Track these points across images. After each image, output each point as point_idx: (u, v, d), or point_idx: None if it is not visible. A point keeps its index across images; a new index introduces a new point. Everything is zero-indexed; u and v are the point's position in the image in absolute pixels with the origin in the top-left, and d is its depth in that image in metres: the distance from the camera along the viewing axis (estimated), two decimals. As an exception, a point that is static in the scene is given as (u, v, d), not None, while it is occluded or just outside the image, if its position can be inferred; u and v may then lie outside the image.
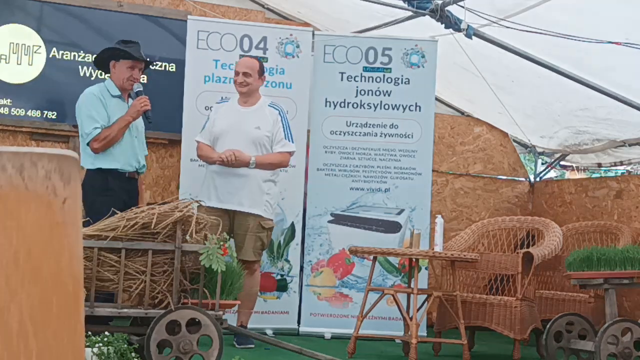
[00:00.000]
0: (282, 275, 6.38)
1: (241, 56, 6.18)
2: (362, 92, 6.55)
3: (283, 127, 5.60)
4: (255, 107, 5.64)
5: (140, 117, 5.49)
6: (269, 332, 6.09)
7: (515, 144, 8.25)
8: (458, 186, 8.03)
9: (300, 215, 6.42)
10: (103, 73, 5.98)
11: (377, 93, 6.55)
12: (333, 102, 6.54)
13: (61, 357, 1.13)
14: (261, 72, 5.68)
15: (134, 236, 4.16)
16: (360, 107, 6.55)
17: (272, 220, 5.70)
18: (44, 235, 1.12)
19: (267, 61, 6.40)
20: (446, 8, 5.70)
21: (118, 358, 3.95)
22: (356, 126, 6.53)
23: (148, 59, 5.63)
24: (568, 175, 9.53)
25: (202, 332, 4.10)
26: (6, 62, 6.54)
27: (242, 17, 7.23)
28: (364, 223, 6.47)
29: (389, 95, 6.54)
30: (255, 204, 5.54)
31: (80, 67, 6.70)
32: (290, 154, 5.65)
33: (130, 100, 5.51)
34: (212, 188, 5.56)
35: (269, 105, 5.67)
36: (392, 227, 6.47)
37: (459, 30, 5.72)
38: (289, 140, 5.59)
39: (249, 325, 5.63)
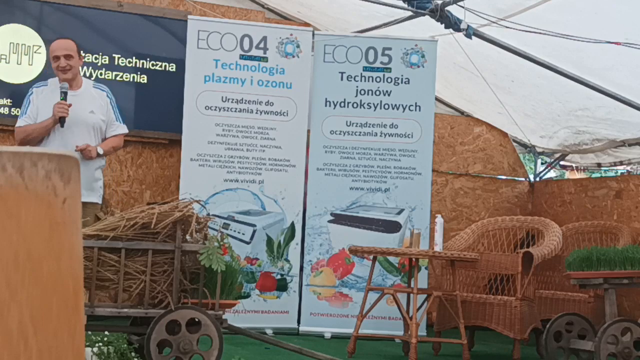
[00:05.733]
0: (282, 275, 6.38)
1: (242, 56, 6.18)
2: (362, 92, 6.55)
3: (114, 110, 5.34)
4: (81, 90, 5.27)
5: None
6: (269, 331, 6.09)
7: (515, 144, 8.25)
8: (458, 186, 8.03)
9: (300, 214, 6.42)
10: (103, 73, 5.98)
11: (377, 93, 6.55)
12: (333, 102, 6.54)
13: (61, 357, 1.13)
14: (79, 52, 5.32)
15: (134, 236, 4.16)
16: (360, 107, 6.54)
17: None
18: (44, 235, 1.12)
19: (267, 61, 6.40)
20: (446, 8, 5.70)
21: (118, 358, 3.95)
22: (356, 126, 6.53)
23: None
24: (568, 175, 9.53)
25: (202, 332, 4.10)
26: (6, 62, 6.54)
27: (242, 17, 7.23)
28: (364, 223, 6.47)
29: (388, 95, 6.54)
30: (92, 192, 5.20)
31: (80, 67, 6.69)
32: (125, 135, 5.43)
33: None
34: None
35: (93, 87, 5.36)
36: (392, 226, 6.47)
37: (458, 30, 5.72)
38: (120, 122, 5.36)
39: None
